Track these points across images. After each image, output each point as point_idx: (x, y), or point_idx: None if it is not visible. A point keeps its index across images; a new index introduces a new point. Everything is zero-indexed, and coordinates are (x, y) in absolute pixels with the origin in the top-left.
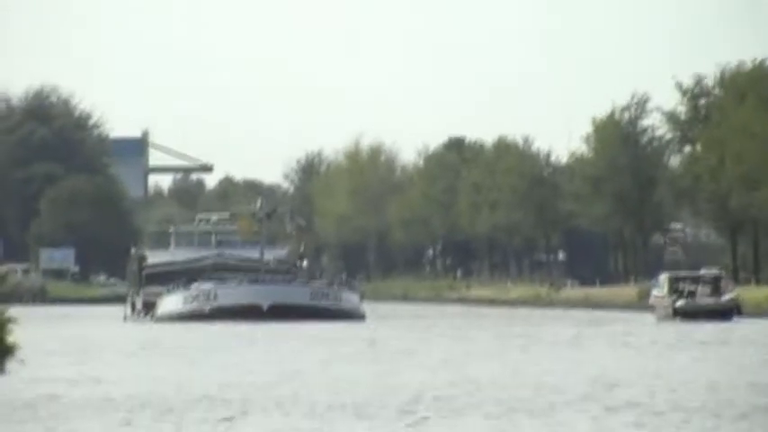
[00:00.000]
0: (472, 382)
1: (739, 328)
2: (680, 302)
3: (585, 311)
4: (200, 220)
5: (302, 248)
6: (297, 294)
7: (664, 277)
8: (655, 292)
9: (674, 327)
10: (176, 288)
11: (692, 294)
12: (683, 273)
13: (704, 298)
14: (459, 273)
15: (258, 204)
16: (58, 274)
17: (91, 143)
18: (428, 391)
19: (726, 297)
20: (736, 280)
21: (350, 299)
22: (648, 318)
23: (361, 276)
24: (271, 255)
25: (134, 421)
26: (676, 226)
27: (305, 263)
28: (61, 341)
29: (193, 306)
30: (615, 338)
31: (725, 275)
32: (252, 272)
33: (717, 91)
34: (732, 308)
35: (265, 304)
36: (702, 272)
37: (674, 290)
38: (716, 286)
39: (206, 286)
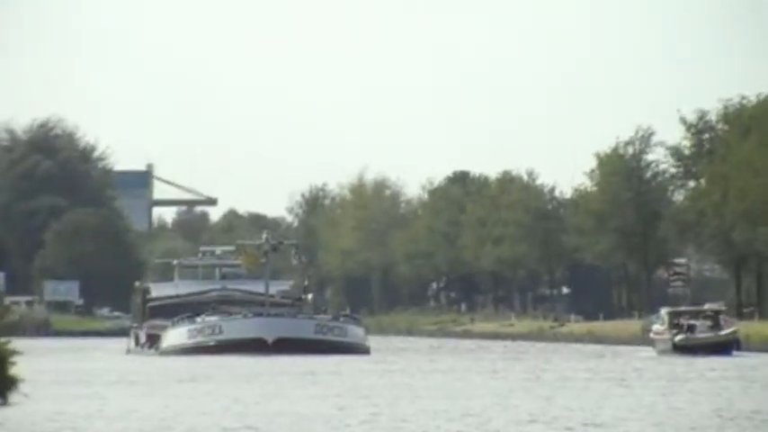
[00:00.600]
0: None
1: (737, 362)
2: (679, 337)
3: (588, 345)
4: (205, 253)
5: (306, 282)
6: (302, 328)
7: (664, 312)
8: (655, 327)
9: (673, 361)
10: (181, 321)
11: (691, 329)
12: (682, 307)
13: (703, 332)
14: (463, 307)
15: (264, 237)
16: (62, 306)
17: (95, 176)
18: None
19: (725, 331)
20: (740, 314)
21: (355, 332)
22: (649, 352)
23: (365, 310)
24: (275, 288)
25: None
26: (680, 261)
27: (310, 296)
28: (64, 374)
29: (198, 339)
30: (610, 374)
31: (725, 310)
32: (256, 305)
33: (721, 126)
34: (731, 342)
35: (270, 338)
36: (706, 306)
37: (674, 324)
38: (715, 321)
39: (211, 319)
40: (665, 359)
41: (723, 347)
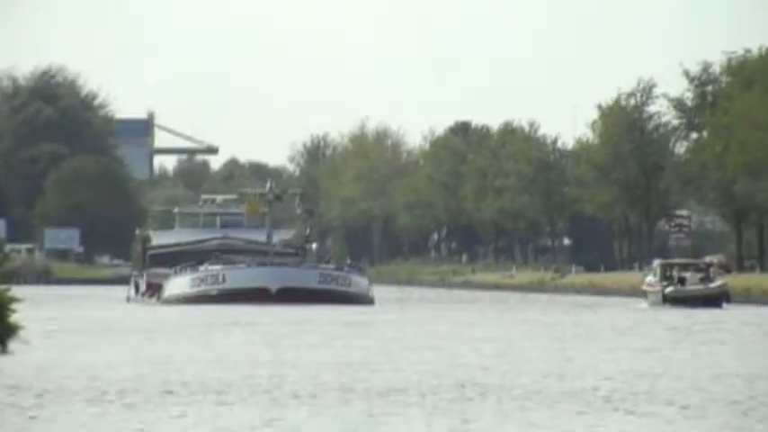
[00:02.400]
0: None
1: (722, 314)
2: (669, 289)
3: (589, 297)
4: (206, 202)
5: (308, 231)
6: (306, 278)
7: (656, 264)
8: (647, 279)
9: (661, 313)
10: (183, 270)
11: (682, 281)
12: (675, 260)
13: (694, 285)
14: (464, 257)
15: (267, 186)
16: (63, 254)
17: (97, 124)
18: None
19: (715, 284)
20: (741, 267)
21: (359, 283)
22: (643, 304)
23: (365, 260)
24: (277, 237)
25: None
26: (681, 213)
27: (314, 246)
28: (64, 322)
29: (201, 288)
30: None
31: (717, 263)
32: (259, 254)
33: (724, 78)
34: (721, 294)
35: (274, 287)
36: (706, 259)
37: (666, 276)
38: (706, 274)
39: (214, 268)
40: (653, 311)
41: (713, 300)
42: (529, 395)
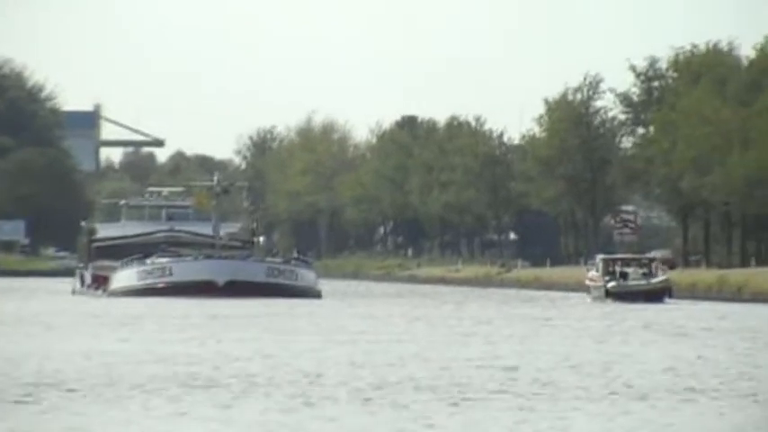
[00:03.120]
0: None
1: (662, 309)
2: (612, 284)
3: (534, 291)
4: (152, 194)
5: (255, 225)
6: (253, 271)
7: (599, 258)
8: (590, 274)
9: (602, 307)
10: (130, 262)
11: (624, 276)
12: (617, 255)
13: (636, 280)
14: (410, 251)
15: (215, 179)
16: (8, 246)
17: (43, 116)
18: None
19: (656, 279)
20: (687, 262)
21: (306, 276)
22: (585, 298)
23: (312, 253)
24: (223, 230)
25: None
26: (628, 208)
27: (261, 239)
28: (8, 314)
29: (148, 281)
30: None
31: (661, 258)
32: (205, 247)
33: (670, 74)
34: (663, 290)
35: (221, 280)
36: (651, 254)
37: (608, 271)
38: (648, 269)
39: (161, 261)
40: (593, 305)
41: (655, 295)
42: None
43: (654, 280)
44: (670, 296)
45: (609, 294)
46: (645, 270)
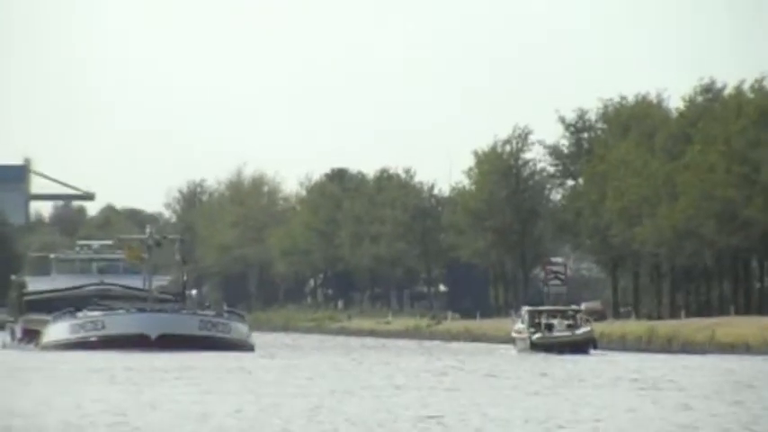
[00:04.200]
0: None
1: (582, 360)
2: (537, 335)
3: (465, 343)
4: (82, 247)
5: (185, 278)
6: (186, 324)
7: (524, 311)
8: (516, 326)
9: (525, 360)
10: (62, 316)
11: (549, 327)
12: (542, 307)
13: (560, 332)
14: (340, 303)
15: (147, 232)
16: None
17: None
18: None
19: (581, 330)
20: (617, 313)
21: (239, 329)
22: (512, 350)
23: (241, 306)
24: (154, 284)
25: None
26: (557, 260)
27: (193, 292)
28: None
29: (80, 334)
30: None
31: (587, 310)
32: (136, 300)
33: (600, 125)
34: (587, 341)
35: (154, 334)
36: (582, 305)
37: (533, 323)
38: (573, 320)
39: (93, 314)
40: (517, 357)
41: (579, 346)
42: None
43: (578, 331)
44: (594, 347)
45: (534, 346)
46: (569, 322)
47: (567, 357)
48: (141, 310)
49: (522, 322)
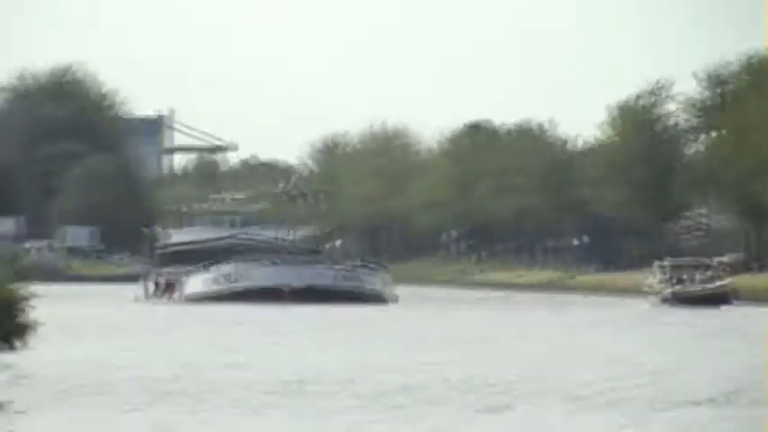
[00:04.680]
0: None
1: (719, 314)
2: (671, 289)
3: (598, 297)
4: (219, 200)
5: (327, 230)
6: (321, 276)
7: (659, 264)
8: (650, 279)
9: (654, 313)
10: (199, 269)
11: (684, 281)
12: (678, 260)
13: (695, 285)
14: (477, 256)
15: (287, 184)
16: (79, 251)
17: (112, 122)
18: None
19: (717, 284)
20: (760, 266)
21: (376, 282)
22: (645, 304)
23: (381, 258)
24: (292, 236)
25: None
26: (695, 212)
27: (337, 243)
28: (79, 320)
29: (216, 287)
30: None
31: (729, 262)
32: (274, 252)
33: (738, 78)
34: (723, 295)
35: (289, 286)
36: (719, 259)
37: (668, 277)
38: (709, 274)
39: (229, 267)
40: (650, 311)
41: (714, 300)
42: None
43: (713, 285)
44: (730, 301)
45: (667, 300)
46: (705, 275)
47: (700, 311)
48: (279, 263)
49: (657, 276)
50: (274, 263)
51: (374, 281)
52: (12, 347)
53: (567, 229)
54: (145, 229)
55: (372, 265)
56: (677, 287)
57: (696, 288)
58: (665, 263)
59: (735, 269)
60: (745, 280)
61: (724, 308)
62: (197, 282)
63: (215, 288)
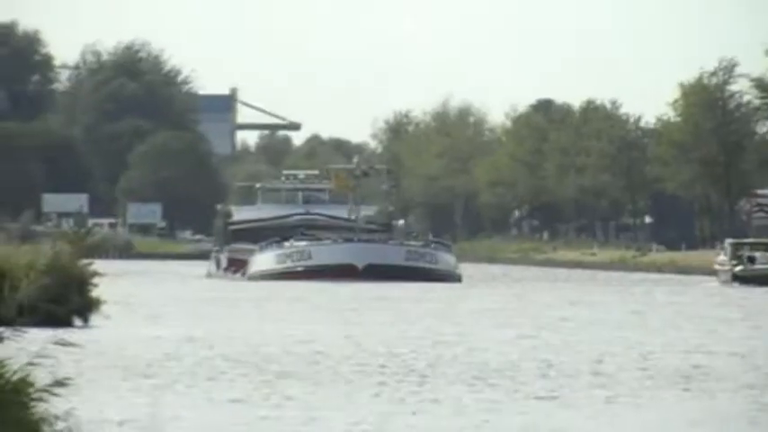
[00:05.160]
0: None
1: None
2: (738, 268)
3: (669, 276)
4: (288, 177)
5: (392, 208)
6: (392, 254)
7: (727, 243)
8: (719, 258)
9: (725, 291)
10: (269, 246)
11: (751, 260)
12: (746, 239)
13: (763, 264)
14: (545, 235)
15: (355, 161)
16: (145, 229)
17: (180, 99)
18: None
19: None
20: None
21: (446, 260)
22: (714, 282)
23: (447, 237)
24: (361, 214)
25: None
26: (764, 192)
27: (401, 222)
28: (147, 297)
29: (287, 264)
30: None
31: None
32: (342, 230)
33: None
34: None
35: (360, 264)
36: None
37: (736, 256)
38: None
39: (299, 244)
40: (720, 289)
41: None
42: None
43: None
44: None
45: (736, 278)
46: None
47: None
48: (348, 240)
49: (725, 255)
50: (347, 240)
51: (447, 259)
52: (85, 322)
53: (636, 207)
54: (219, 206)
55: (434, 245)
56: (747, 265)
57: (765, 267)
58: (734, 241)
59: None
60: None
61: None
62: (269, 258)
63: (289, 264)
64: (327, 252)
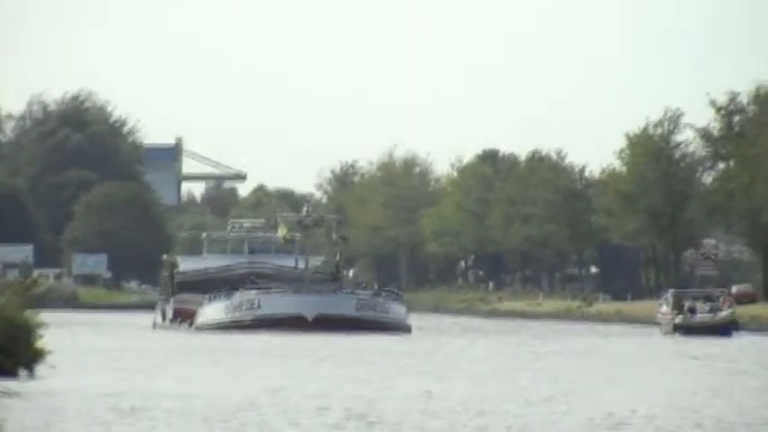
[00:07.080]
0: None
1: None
2: (679, 318)
3: (614, 326)
4: (234, 227)
5: (338, 258)
6: (343, 305)
7: (669, 293)
8: (662, 308)
9: (667, 342)
10: (217, 296)
11: (692, 310)
12: (688, 290)
13: (702, 314)
14: (490, 285)
15: (305, 211)
16: (90, 279)
17: (125, 150)
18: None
19: (723, 314)
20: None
21: (396, 310)
22: (656, 333)
23: (392, 287)
24: (307, 264)
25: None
26: (709, 242)
27: (351, 272)
28: (91, 348)
29: (235, 315)
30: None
31: (726, 293)
32: (290, 280)
33: (751, 108)
34: (729, 324)
35: (310, 315)
36: (734, 289)
37: (677, 306)
38: (716, 303)
39: (249, 295)
40: (661, 340)
41: (721, 329)
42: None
43: (720, 314)
44: (736, 330)
45: (677, 329)
46: (712, 305)
47: (705, 340)
48: (298, 291)
49: (667, 305)
50: (296, 290)
51: (397, 309)
52: (30, 373)
53: (582, 257)
54: (164, 256)
55: (389, 294)
56: (687, 316)
57: (704, 317)
58: (676, 291)
59: (747, 299)
60: (755, 310)
61: (728, 338)
62: (218, 309)
63: (236, 315)
64: (277, 302)
